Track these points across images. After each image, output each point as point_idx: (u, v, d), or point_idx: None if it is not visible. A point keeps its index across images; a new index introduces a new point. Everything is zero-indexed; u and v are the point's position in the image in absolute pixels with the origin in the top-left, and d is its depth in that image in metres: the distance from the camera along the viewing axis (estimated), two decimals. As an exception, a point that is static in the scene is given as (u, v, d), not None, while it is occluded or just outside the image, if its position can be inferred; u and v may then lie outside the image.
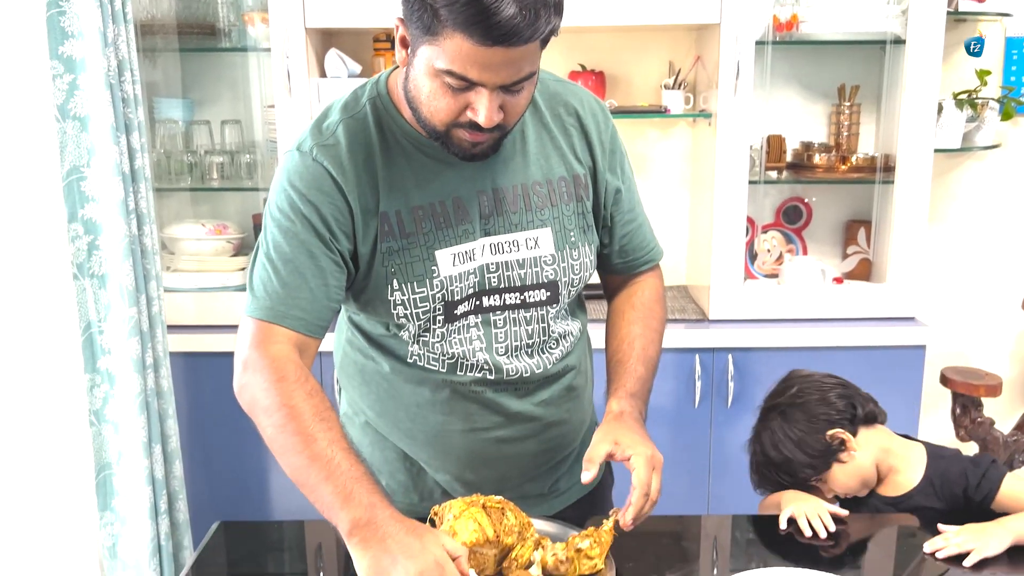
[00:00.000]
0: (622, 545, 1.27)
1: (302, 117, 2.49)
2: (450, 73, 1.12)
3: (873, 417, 1.56)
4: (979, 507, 1.47)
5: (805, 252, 2.90)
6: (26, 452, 2.28)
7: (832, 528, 1.39)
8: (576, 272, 1.37)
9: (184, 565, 1.86)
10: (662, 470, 1.27)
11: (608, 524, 1.26)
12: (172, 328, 2.47)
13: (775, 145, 2.67)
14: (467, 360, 1.35)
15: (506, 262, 1.32)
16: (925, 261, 2.88)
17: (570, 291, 1.38)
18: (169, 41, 2.66)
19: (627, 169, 1.44)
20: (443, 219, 1.29)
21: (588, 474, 1.25)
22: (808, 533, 1.39)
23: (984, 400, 2.68)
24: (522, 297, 1.34)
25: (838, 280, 2.74)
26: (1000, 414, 2.85)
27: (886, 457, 1.55)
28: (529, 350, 1.38)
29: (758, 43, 2.49)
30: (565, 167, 1.35)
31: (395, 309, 1.30)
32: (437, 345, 1.34)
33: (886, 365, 2.54)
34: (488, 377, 1.36)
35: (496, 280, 1.32)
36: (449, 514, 1.24)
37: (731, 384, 2.55)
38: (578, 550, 1.24)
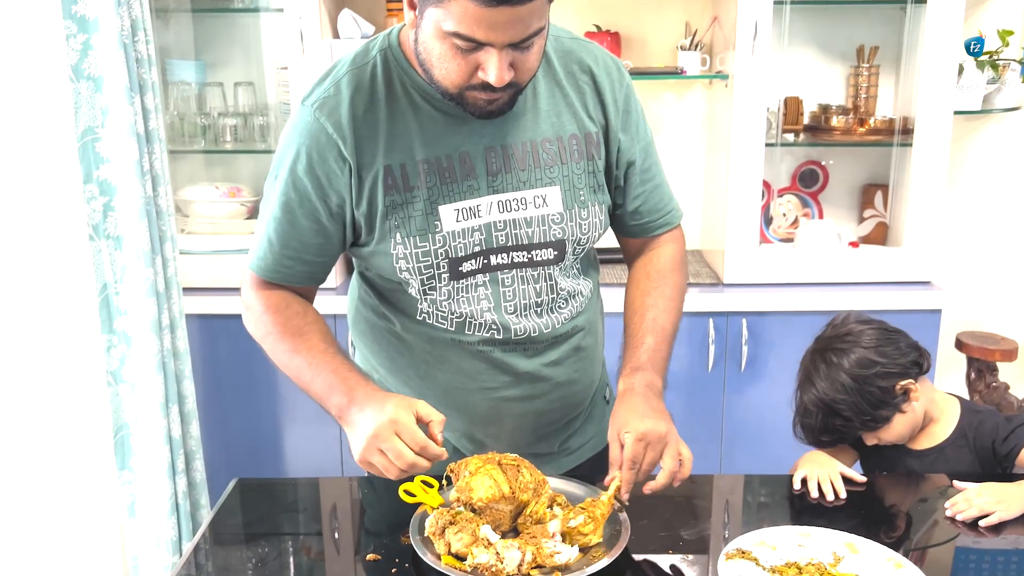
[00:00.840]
0: (635, 503, 1.27)
1: (315, 78, 2.48)
2: (457, 35, 1.11)
3: (928, 368, 1.57)
4: (1003, 462, 1.48)
5: (821, 216, 2.89)
6: (45, 413, 2.31)
7: (843, 493, 1.39)
8: (584, 231, 1.36)
9: (201, 523, 1.89)
10: (666, 440, 1.25)
11: (607, 494, 1.25)
12: (187, 291, 2.48)
13: (792, 107, 2.65)
14: (475, 319, 1.36)
15: (514, 220, 1.32)
16: (942, 225, 2.85)
17: (576, 249, 1.37)
18: (181, 2, 2.67)
19: (643, 129, 1.41)
20: (448, 174, 1.29)
21: (613, 476, 1.27)
22: (815, 494, 1.40)
23: (999, 365, 2.67)
24: (529, 256, 1.34)
25: (854, 244, 2.73)
26: (1016, 379, 2.84)
27: (931, 408, 1.57)
28: (538, 309, 1.38)
29: (776, 3, 2.46)
30: (577, 124, 1.34)
31: (397, 263, 1.31)
32: (445, 303, 1.35)
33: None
34: (496, 336, 1.37)
35: (504, 238, 1.32)
36: (465, 471, 1.25)
37: (745, 348, 2.55)
38: (571, 527, 1.22)
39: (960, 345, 2.71)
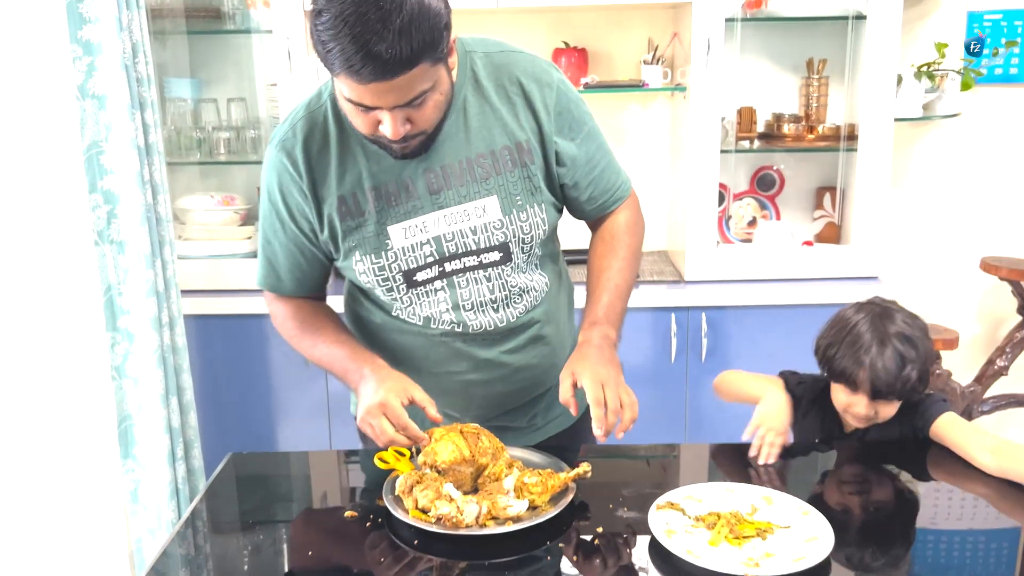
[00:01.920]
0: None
1: (302, 94, 2.65)
2: (351, 101, 1.28)
3: None
4: (921, 432, 1.60)
5: (779, 217, 3.07)
6: (53, 407, 2.45)
7: (773, 460, 1.51)
8: (526, 232, 1.49)
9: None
10: (617, 382, 1.39)
11: (566, 474, 1.40)
12: (184, 292, 2.63)
13: (746, 116, 2.83)
14: (436, 318, 1.54)
15: (460, 230, 1.47)
16: (889, 224, 3.03)
17: (523, 248, 1.51)
18: (177, 24, 2.80)
19: (580, 123, 1.50)
20: (394, 198, 1.45)
21: (572, 409, 1.43)
22: (753, 453, 1.52)
23: (943, 353, 2.85)
24: (479, 259, 1.50)
25: (808, 243, 2.91)
26: (959, 367, 3.02)
27: None
28: (494, 305, 1.54)
29: (728, 20, 2.64)
30: (507, 136, 1.45)
31: (360, 276, 1.50)
32: (409, 306, 1.53)
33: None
34: (456, 330, 1.54)
35: (454, 247, 1.48)
36: (432, 439, 1.43)
37: (705, 340, 2.73)
38: (524, 483, 1.37)
39: (905, 335, 2.89)
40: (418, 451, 1.44)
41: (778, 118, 2.88)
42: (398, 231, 1.47)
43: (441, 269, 1.50)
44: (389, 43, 1.18)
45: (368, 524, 1.37)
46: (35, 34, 2.28)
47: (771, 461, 1.52)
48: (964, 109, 2.97)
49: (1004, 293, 3.03)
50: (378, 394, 1.40)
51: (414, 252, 1.48)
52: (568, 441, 1.70)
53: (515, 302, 1.55)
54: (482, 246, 1.49)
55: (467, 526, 1.30)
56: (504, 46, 1.51)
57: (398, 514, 1.34)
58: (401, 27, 1.18)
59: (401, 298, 1.52)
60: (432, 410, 1.43)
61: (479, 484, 1.42)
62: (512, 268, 1.52)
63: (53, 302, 2.41)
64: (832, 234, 2.94)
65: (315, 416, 2.78)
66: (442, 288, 1.51)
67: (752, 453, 1.52)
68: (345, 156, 1.45)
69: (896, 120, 2.73)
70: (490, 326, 1.54)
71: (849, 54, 2.78)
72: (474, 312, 1.53)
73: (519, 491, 1.37)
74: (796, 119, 2.86)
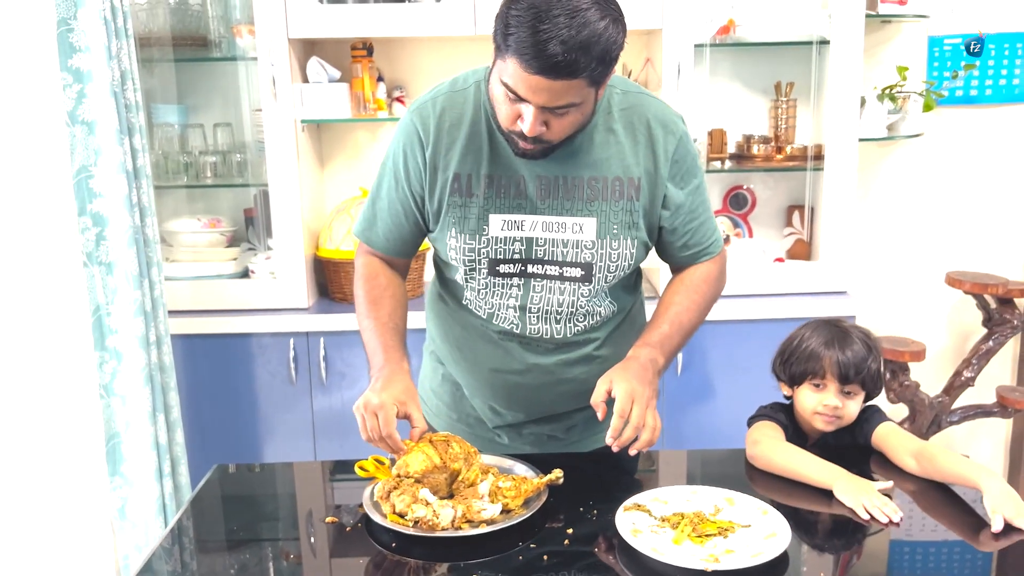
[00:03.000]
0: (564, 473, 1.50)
1: (287, 119, 2.73)
2: (506, 86, 1.37)
3: None
4: (862, 441, 1.68)
5: (751, 235, 3.16)
6: (44, 425, 2.49)
7: (896, 517, 1.41)
8: (613, 260, 1.56)
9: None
10: (647, 403, 1.44)
11: (540, 480, 1.47)
12: (171, 313, 2.67)
13: (717, 138, 2.92)
14: (500, 313, 1.62)
15: (552, 239, 1.56)
16: (857, 240, 3.12)
17: (606, 276, 1.57)
18: (165, 52, 2.87)
19: (692, 175, 1.58)
20: (504, 190, 1.55)
21: (599, 413, 1.47)
22: (896, 518, 1.41)
23: (911, 365, 2.93)
24: (560, 271, 1.58)
25: (779, 259, 3.00)
26: (927, 379, 3.10)
27: None
28: (557, 317, 1.61)
29: (698, 46, 2.73)
30: (622, 169, 1.53)
31: (449, 252, 1.59)
32: (482, 292, 1.62)
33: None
34: (514, 331, 1.63)
35: (542, 252, 1.57)
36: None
37: (680, 355, 2.80)
38: (499, 487, 1.44)
39: (874, 348, 2.96)
40: (393, 461, 1.50)
41: (748, 139, 2.98)
42: (497, 221, 1.56)
43: (523, 268, 1.58)
44: (566, 49, 1.27)
45: (348, 529, 1.42)
46: (27, 62, 2.35)
47: (900, 516, 1.41)
48: (926, 129, 3.07)
49: (969, 306, 3.12)
50: (381, 395, 1.45)
51: (505, 244, 1.56)
52: (606, 461, 1.68)
53: (578, 320, 1.63)
54: (568, 260, 1.57)
55: (443, 529, 1.36)
56: (642, 89, 1.60)
57: (376, 518, 1.39)
58: (582, 41, 1.27)
59: (479, 281, 1.60)
60: (416, 433, 1.49)
61: (454, 489, 1.48)
62: (589, 291, 1.59)
63: (43, 322, 2.46)
64: (802, 251, 3.03)
65: (300, 434, 2.83)
66: (517, 286, 1.59)
67: (885, 520, 1.41)
68: (472, 139, 1.54)
69: (861, 140, 2.83)
70: (546, 335, 1.63)
71: (815, 77, 2.89)
72: (536, 317, 1.61)
73: (493, 495, 1.43)
74: (765, 140, 2.95)
